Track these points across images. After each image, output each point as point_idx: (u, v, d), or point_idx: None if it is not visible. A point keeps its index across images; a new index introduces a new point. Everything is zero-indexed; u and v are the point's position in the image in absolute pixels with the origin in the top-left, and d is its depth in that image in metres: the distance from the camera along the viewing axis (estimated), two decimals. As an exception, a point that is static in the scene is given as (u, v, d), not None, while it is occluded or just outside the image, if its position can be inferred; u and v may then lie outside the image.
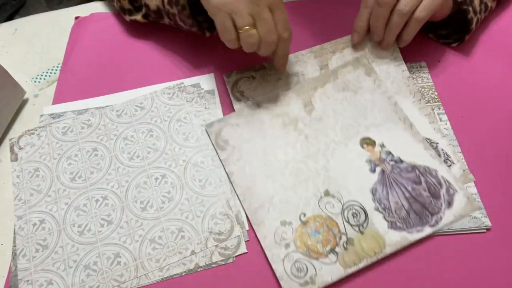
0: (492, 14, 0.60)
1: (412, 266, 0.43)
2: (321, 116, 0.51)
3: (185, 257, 0.44)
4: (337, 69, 0.53)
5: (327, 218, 0.45)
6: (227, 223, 0.46)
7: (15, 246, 0.45)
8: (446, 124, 0.51)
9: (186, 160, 0.50)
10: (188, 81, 0.56)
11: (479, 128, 0.51)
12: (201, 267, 0.44)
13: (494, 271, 0.43)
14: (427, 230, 0.44)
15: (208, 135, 0.51)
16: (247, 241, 0.45)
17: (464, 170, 0.47)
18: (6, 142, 0.53)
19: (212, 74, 0.57)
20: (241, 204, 0.47)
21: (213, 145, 0.50)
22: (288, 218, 0.45)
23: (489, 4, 0.55)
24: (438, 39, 0.57)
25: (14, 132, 0.54)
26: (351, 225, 0.44)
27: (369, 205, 0.45)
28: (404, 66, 0.53)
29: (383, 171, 0.47)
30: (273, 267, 0.43)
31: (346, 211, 0.45)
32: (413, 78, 0.54)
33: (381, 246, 0.43)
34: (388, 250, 0.43)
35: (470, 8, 0.51)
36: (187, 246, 0.45)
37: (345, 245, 0.43)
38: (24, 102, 0.56)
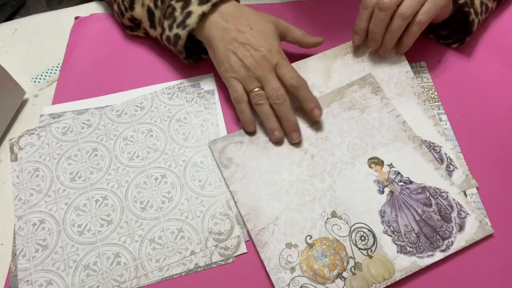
0: (492, 14, 0.60)
1: (412, 266, 0.43)
2: (327, 135, 0.50)
3: (185, 257, 0.44)
4: (343, 88, 0.52)
5: (334, 240, 0.44)
6: (227, 223, 0.46)
7: (15, 246, 0.45)
8: (446, 124, 0.51)
9: (186, 160, 0.50)
10: (188, 81, 0.56)
11: (479, 128, 0.51)
12: (201, 267, 0.44)
13: (494, 272, 0.43)
14: (438, 255, 0.42)
15: (212, 152, 0.50)
16: (247, 241, 0.45)
17: (467, 175, 0.46)
18: (6, 142, 0.53)
19: (212, 74, 0.57)
20: (245, 225, 0.45)
21: (216, 163, 0.49)
22: (293, 240, 0.44)
23: (489, 5, 0.55)
24: (438, 40, 0.57)
25: (14, 132, 0.54)
26: (359, 249, 0.43)
27: (378, 228, 0.44)
28: (408, 67, 0.53)
29: (391, 193, 0.46)
30: None
31: (353, 234, 0.44)
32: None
33: (391, 271, 0.42)
34: (398, 275, 0.41)
35: (472, 10, 0.51)
36: (187, 246, 0.45)
37: (353, 270, 0.42)
38: (24, 102, 0.56)
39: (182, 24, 0.50)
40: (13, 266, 0.44)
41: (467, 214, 0.44)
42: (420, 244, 0.43)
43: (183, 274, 0.44)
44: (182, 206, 0.47)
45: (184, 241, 0.45)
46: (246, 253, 0.44)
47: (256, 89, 0.48)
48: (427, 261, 0.42)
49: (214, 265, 0.44)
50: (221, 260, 0.44)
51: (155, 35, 0.55)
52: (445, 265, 0.43)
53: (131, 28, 0.59)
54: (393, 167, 0.47)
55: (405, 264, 0.42)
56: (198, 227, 0.46)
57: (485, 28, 0.59)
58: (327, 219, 0.45)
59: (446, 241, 0.43)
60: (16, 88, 0.54)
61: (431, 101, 0.52)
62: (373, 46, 0.52)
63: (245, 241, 0.45)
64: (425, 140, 0.48)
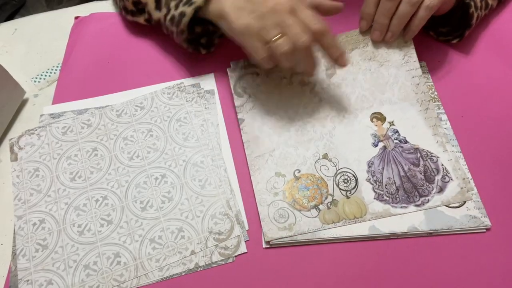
0: (493, 13, 0.60)
1: (412, 266, 0.43)
2: (340, 83, 0.52)
3: (185, 257, 0.44)
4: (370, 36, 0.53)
5: (319, 178, 0.47)
6: (227, 223, 0.46)
7: (15, 246, 0.45)
8: (446, 124, 0.51)
9: (186, 160, 0.50)
10: (188, 81, 0.56)
11: (479, 128, 0.51)
12: (201, 267, 0.44)
13: (494, 271, 0.43)
14: (411, 209, 0.45)
15: (229, 78, 0.53)
16: (247, 241, 0.45)
17: (461, 188, 0.46)
18: (6, 142, 0.53)
19: (212, 74, 0.57)
20: (244, 151, 0.49)
21: (231, 90, 0.52)
22: (283, 171, 0.48)
23: (490, 2, 0.55)
24: (438, 37, 0.57)
25: (14, 132, 0.54)
26: (340, 189, 0.47)
27: (362, 175, 0.47)
28: (414, 72, 0.52)
29: (384, 147, 0.49)
30: (259, 209, 0.46)
31: (338, 176, 0.47)
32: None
33: (363, 212, 0.45)
34: (368, 217, 0.45)
35: (472, 3, 0.51)
36: (187, 246, 0.45)
37: (329, 205, 0.46)
38: (24, 102, 0.56)
39: (188, 2, 0.49)
40: (13, 265, 0.44)
41: (451, 179, 0.46)
42: (397, 196, 0.46)
43: (183, 274, 0.44)
44: (182, 206, 0.47)
45: (184, 241, 0.45)
46: (246, 253, 0.44)
47: (276, 37, 0.43)
48: (399, 211, 0.45)
49: (214, 265, 0.44)
50: (221, 260, 0.44)
51: (158, 17, 0.54)
52: (444, 261, 0.43)
53: (133, 13, 0.58)
54: (393, 125, 0.50)
55: (378, 209, 0.45)
56: (198, 227, 0.46)
57: (485, 27, 0.59)
58: (318, 159, 0.48)
59: (422, 198, 0.46)
60: (16, 88, 0.54)
61: (431, 101, 0.52)
62: (376, 38, 0.52)
63: (245, 241, 0.45)
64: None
